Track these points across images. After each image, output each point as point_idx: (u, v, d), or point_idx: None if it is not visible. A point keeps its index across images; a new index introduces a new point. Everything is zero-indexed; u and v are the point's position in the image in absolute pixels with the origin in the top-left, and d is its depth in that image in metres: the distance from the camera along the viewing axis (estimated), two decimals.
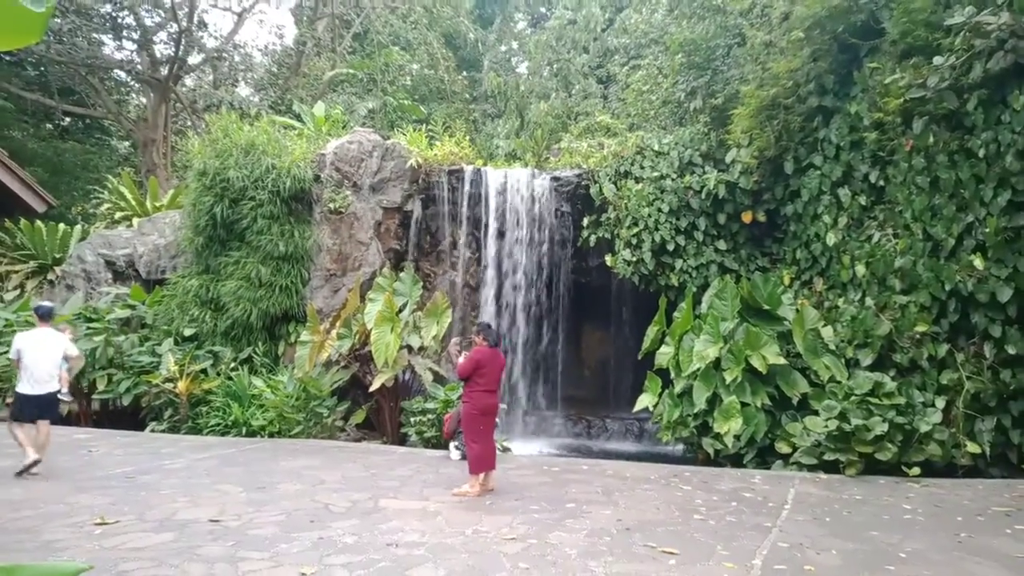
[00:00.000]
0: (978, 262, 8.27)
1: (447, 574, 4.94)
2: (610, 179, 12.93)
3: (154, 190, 18.78)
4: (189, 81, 29.75)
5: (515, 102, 23.73)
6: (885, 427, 8.28)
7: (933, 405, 8.68)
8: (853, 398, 8.80)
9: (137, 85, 29.44)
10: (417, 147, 14.07)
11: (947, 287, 8.60)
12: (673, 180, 12.27)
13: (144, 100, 29.20)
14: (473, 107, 27.07)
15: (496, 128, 23.62)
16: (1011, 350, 8.08)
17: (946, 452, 8.40)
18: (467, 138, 15.41)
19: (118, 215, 18.21)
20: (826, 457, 8.64)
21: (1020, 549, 5.54)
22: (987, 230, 8.17)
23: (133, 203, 18.20)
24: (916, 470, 8.25)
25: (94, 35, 24.97)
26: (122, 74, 28.61)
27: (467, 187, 13.73)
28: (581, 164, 13.72)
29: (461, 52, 29.53)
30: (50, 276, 16.22)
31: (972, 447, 8.35)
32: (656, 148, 12.89)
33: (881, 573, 4.99)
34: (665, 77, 14.89)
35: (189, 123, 27.72)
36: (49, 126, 28.96)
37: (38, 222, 17.04)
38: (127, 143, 30.53)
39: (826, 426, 8.66)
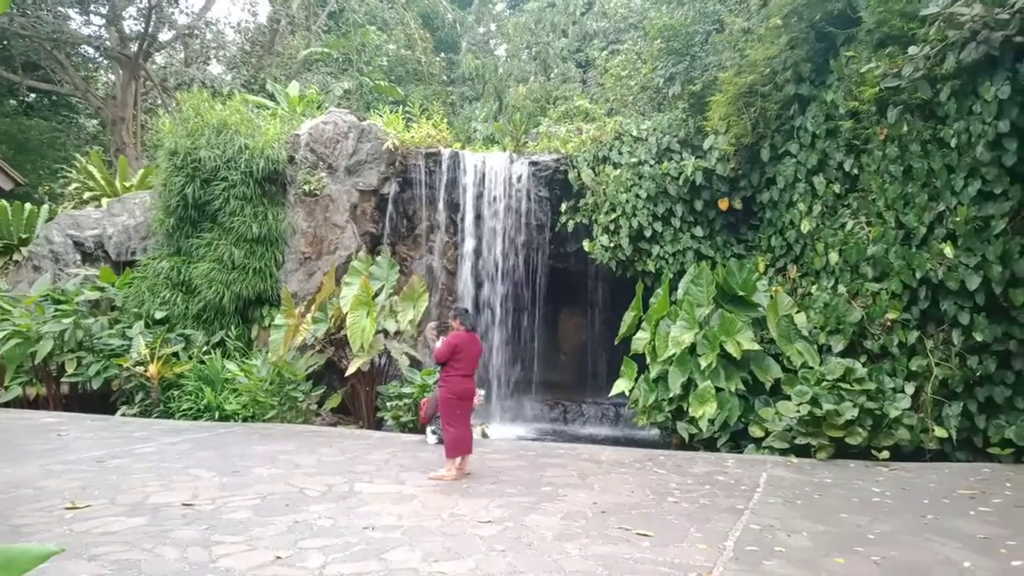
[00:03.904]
0: (948, 250, 8.44)
1: (423, 556, 4.97)
2: (588, 164, 12.95)
3: (123, 170, 18.44)
4: (159, 58, 29.19)
5: (493, 85, 23.59)
6: (855, 412, 8.45)
7: (902, 391, 8.87)
8: (825, 383, 8.97)
9: (105, 62, 28.82)
10: (394, 129, 13.96)
11: (918, 275, 8.77)
12: (651, 166, 12.33)
13: (113, 77, 28.59)
14: (451, 89, 26.89)
15: (474, 111, 23.49)
16: (979, 337, 8.27)
17: (914, 436, 8.61)
18: (444, 121, 15.33)
19: (86, 195, 17.85)
20: (798, 441, 8.80)
21: (983, 530, 5.71)
22: (957, 219, 8.33)
23: (102, 183, 17.85)
24: (885, 454, 8.44)
25: (59, 8, 24.34)
26: (90, 50, 27.94)
27: (444, 170, 13.66)
28: (559, 149, 13.71)
29: (439, 33, 29.28)
30: (16, 257, 15.90)
31: (939, 432, 8.56)
32: (634, 134, 12.93)
33: (850, 554, 5.12)
34: (644, 62, 14.89)
35: (159, 101, 27.21)
36: (13, 102, 28.28)
37: (3, 201, 16.66)
38: (95, 121, 29.89)
39: (798, 411, 8.81)
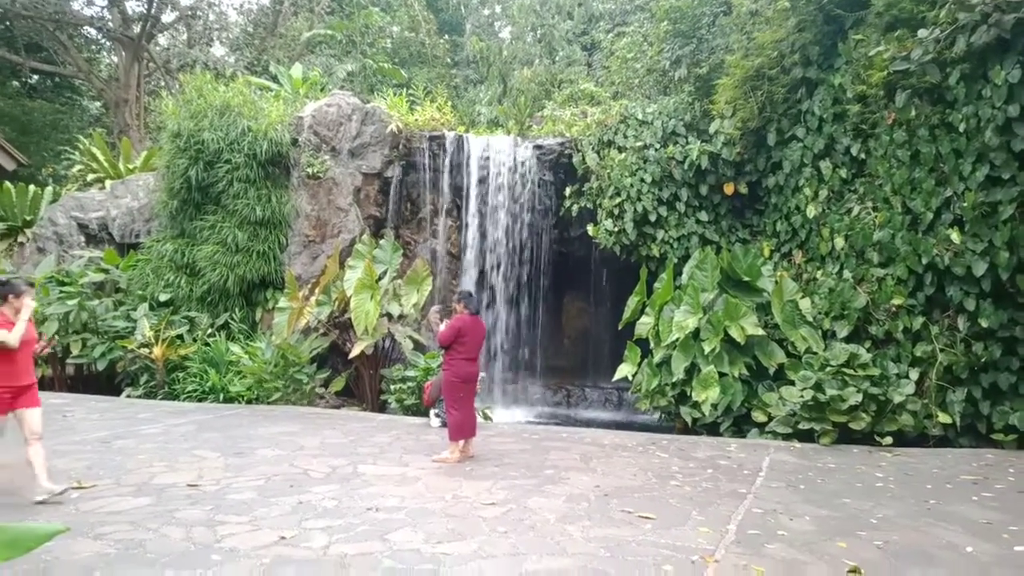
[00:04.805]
0: (955, 236, 8.40)
1: (426, 537, 4.99)
2: (593, 148, 12.88)
3: (127, 152, 18.41)
4: (162, 40, 29.08)
5: (498, 68, 23.43)
6: (859, 397, 8.45)
7: (907, 376, 8.86)
8: (829, 369, 8.96)
9: (108, 43, 28.72)
10: (398, 112, 13.89)
11: (924, 260, 8.73)
12: (656, 150, 12.25)
13: (116, 59, 28.48)
14: (455, 72, 26.71)
15: (478, 94, 23.35)
16: (984, 323, 8.24)
17: (918, 422, 8.61)
18: (449, 104, 15.24)
19: (90, 177, 17.85)
20: (801, 426, 8.81)
21: (985, 515, 5.72)
22: (964, 204, 8.28)
23: (105, 165, 17.84)
24: (888, 439, 8.45)
25: None
26: (92, 31, 27.85)
27: (448, 154, 13.60)
28: (564, 132, 13.64)
29: (443, 15, 29.04)
30: (21, 239, 15.93)
31: (943, 417, 8.56)
32: (640, 117, 12.84)
33: (853, 538, 5.13)
34: (650, 45, 14.77)
35: (162, 83, 27.13)
36: (16, 83, 28.18)
37: (7, 183, 16.66)
38: (98, 103, 29.83)
39: (802, 396, 8.82)
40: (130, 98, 25.19)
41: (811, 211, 10.69)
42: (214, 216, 13.12)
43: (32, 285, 6.24)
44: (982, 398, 8.53)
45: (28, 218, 16.35)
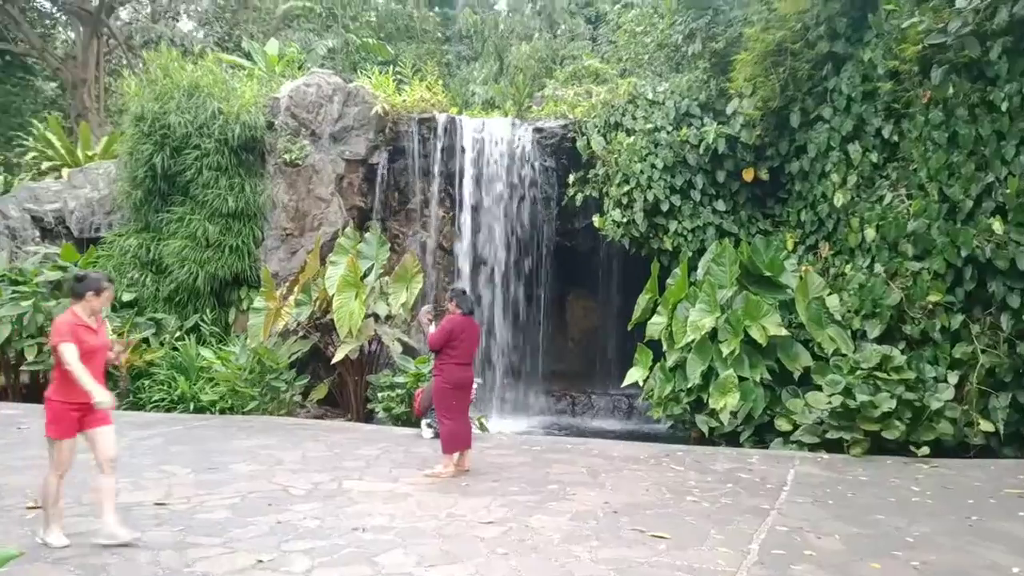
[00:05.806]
0: (997, 226, 8.39)
1: (418, 560, 4.99)
2: (599, 131, 12.88)
3: (85, 137, 18.40)
4: (124, 14, 29.03)
5: (493, 43, 23.42)
6: (893, 404, 8.44)
7: (945, 380, 8.85)
8: (859, 372, 8.95)
9: (64, 18, 28.63)
10: (383, 92, 13.89)
11: (963, 253, 8.72)
12: (668, 133, 12.25)
13: (72, 35, 28.42)
14: (446, 48, 26.69)
15: (472, 72, 23.34)
16: None
17: (958, 430, 8.60)
18: (440, 83, 15.26)
19: (45, 165, 17.86)
20: (829, 435, 8.80)
21: None
22: (1008, 191, 8.27)
23: (62, 151, 17.83)
24: (925, 449, 8.44)
25: None
26: (47, 4, 27.77)
27: (440, 138, 13.60)
28: (567, 114, 13.64)
29: None
30: None
31: (985, 425, 8.56)
32: (650, 97, 12.84)
33: (887, 558, 5.13)
34: (661, 17, 14.76)
35: (124, 62, 27.07)
36: None
37: None
38: (54, 84, 29.75)
39: (830, 402, 8.81)
40: (89, 78, 25.13)
41: (839, 199, 10.69)
42: (182, 208, 13.11)
43: (111, 281, 5.83)
44: None
45: None
